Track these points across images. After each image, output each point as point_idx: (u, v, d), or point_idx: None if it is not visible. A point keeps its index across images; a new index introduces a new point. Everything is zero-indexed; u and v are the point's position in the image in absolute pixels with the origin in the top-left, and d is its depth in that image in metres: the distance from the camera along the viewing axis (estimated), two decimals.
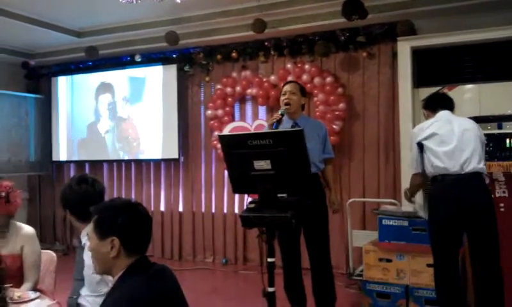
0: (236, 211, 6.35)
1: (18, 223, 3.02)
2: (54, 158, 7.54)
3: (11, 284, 2.53)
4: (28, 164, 7.29)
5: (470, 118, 3.57)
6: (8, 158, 6.94)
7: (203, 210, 6.63)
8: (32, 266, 2.93)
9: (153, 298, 1.68)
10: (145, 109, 6.86)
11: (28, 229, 3.01)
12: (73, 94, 7.46)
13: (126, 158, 7.08)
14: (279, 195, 2.71)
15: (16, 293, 2.57)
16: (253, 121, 6.25)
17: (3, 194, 2.82)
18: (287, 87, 3.93)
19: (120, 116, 7.08)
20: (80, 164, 7.51)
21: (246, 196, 5.76)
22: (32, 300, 2.60)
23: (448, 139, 3.34)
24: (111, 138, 7.15)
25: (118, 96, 7.09)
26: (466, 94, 5.06)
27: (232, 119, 6.33)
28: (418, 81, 5.19)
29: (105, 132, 7.19)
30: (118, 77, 7.09)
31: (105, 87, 7.18)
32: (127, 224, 1.77)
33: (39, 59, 7.59)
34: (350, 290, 4.94)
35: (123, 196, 7.12)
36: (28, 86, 7.80)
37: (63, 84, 7.53)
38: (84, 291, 2.40)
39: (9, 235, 2.92)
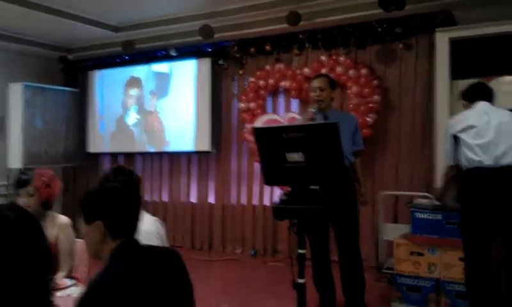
0: (266, 203, 6.36)
1: (54, 213, 3.08)
2: (89, 150, 7.71)
3: None
4: (64, 156, 7.49)
5: (508, 110, 3.46)
6: (45, 149, 7.14)
7: (233, 201, 6.66)
8: (67, 255, 2.98)
9: (133, 279, 1.64)
10: (176, 102, 6.93)
11: (63, 218, 3.06)
12: (105, 88, 7.62)
13: (152, 150, 7.19)
14: (311, 187, 2.69)
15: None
16: (285, 113, 6.22)
17: (45, 179, 2.90)
18: (316, 83, 3.90)
19: (147, 109, 7.19)
20: (114, 155, 7.65)
21: (276, 188, 5.87)
22: (68, 287, 2.67)
23: (484, 132, 3.26)
24: (138, 131, 7.27)
25: (145, 90, 7.21)
26: (504, 86, 4.88)
27: (265, 112, 6.32)
28: (456, 73, 5.06)
29: (133, 125, 7.32)
30: (146, 71, 7.19)
31: (133, 82, 7.31)
32: (110, 207, 1.78)
33: (76, 54, 7.77)
34: (379, 283, 4.88)
35: (155, 188, 7.24)
36: (65, 79, 7.97)
37: (96, 78, 7.69)
38: None
39: (45, 224, 2.97)
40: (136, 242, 1.80)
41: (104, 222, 1.75)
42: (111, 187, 1.89)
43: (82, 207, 1.82)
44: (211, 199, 6.86)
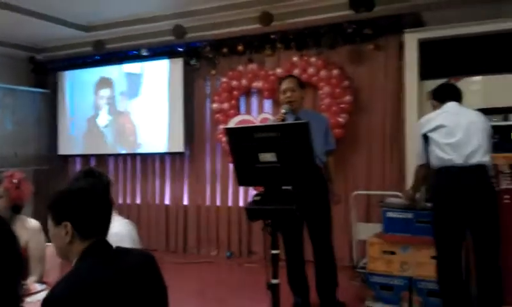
0: (241, 204, 6.36)
1: (24, 216, 3.02)
2: (60, 152, 7.59)
3: None
4: (35, 158, 7.34)
5: (476, 110, 3.56)
6: (15, 152, 6.99)
7: (208, 203, 6.64)
8: (38, 259, 2.93)
9: (101, 281, 1.62)
10: (148, 103, 6.87)
11: (33, 222, 3.01)
12: (75, 88, 7.50)
13: (123, 152, 7.12)
14: (284, 187, 2.71)
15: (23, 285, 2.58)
16: (259, 114, 6.24)
17: (15, 181, 2.85)
18: (286, 85, 3.93)
19: (119, 110, 7.12)
20: (85, 157, 7.55)
21: (251, 189, 5.88)
22: (39, 292, 2.62)
23: (454, 131, 3.34)
24: (109, 132, 7.19)
25: (117, 91, 7.13)
26: (472, 86, 5.00)
27: (238, 113, 6.32)
28: (424, 73, 5.16)
29: (104, 127, 7.24)
30: (117, 72, 7.11)
31: (104, 82, 7.22)
32: (78, 208, 1.76)
33: (46, 54, 7.63)
34: (354, 282, 4.93)
35: (128, 190, 7.17)
36: (35, 80, 7.81)
37: (66, 78, 7.57)
38: None
39: (15, 228, 2.91)
40: (106, 243, 1.78)
41: (72, 223, 1.73)
42: (78, 188, 1.87)
43: (50, 208, 1.80)
44: (185, 200, 6.82)
